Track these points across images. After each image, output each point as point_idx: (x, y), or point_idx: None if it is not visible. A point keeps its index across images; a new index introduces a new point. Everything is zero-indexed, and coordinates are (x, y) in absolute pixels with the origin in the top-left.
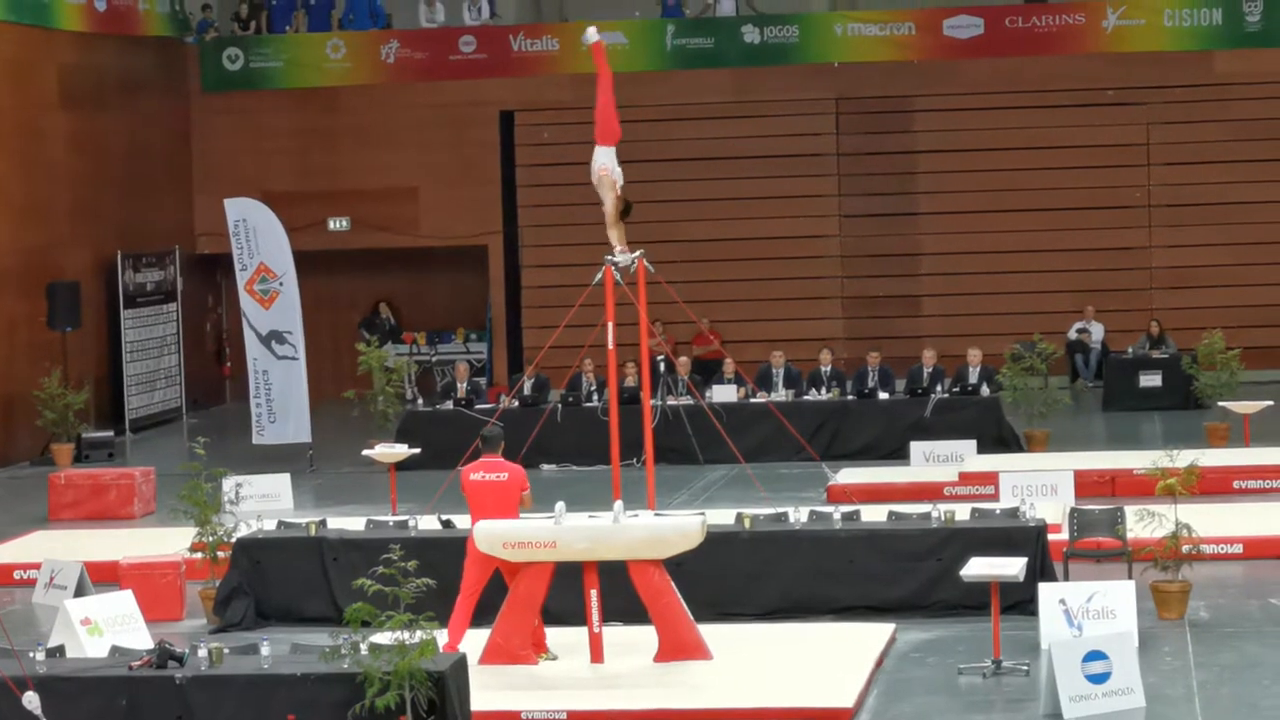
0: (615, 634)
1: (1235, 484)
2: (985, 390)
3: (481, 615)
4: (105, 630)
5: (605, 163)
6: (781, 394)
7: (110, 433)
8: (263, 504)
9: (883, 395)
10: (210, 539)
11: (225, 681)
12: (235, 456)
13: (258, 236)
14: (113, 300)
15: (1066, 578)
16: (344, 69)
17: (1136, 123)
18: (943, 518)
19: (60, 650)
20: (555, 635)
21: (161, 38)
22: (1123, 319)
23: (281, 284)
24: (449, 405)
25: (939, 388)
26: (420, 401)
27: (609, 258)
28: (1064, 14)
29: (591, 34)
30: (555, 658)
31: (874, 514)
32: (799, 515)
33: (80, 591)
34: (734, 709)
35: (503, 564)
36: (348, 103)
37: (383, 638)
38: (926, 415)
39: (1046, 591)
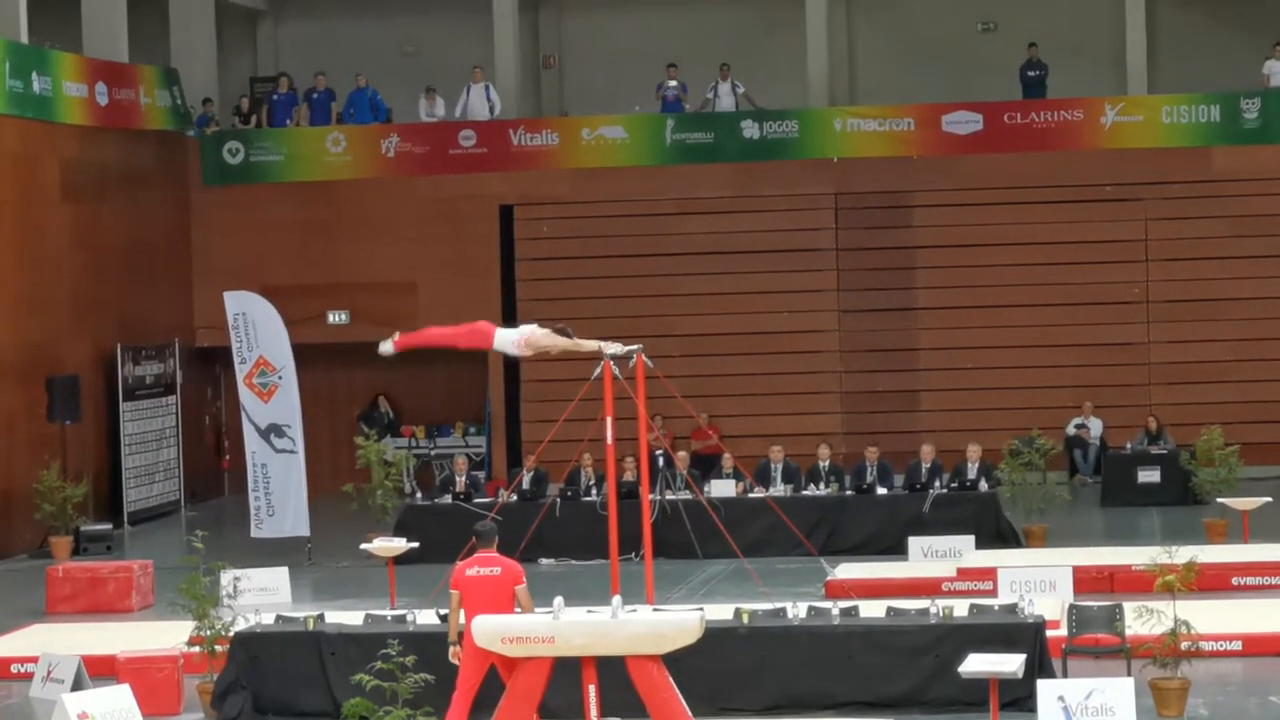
0: None
1: (1234, 580)
2: (984, 485)
3: (480, 711)
4: None
5: (515, 338)
6: (780, 489)
7: (109, 525)
8: (261, 598)
9: (881, 490)
10: (208, 633)
11: None
12: (233, 550)
13: (257, 330)
14: (112, 393)
15: (1065, 674)
16: (344, 162)
17: (1135, 219)
18: (941, 613)
19: None
20: None
21: (163, 131)
22: (1121, 414)
23: (280, 377)
24: (448, 499)
25: (937, 483)
26: (419, 495)
27: (608, 353)
28: (1062, 110)
29: (386, 346)
30: None
31: (872, 609)
32: (797, 610)
33: (78, 685)
34: None
35: (499, 659)
36: (348, 196)
37: None
38: (925, 510)
39: (1045, 688)
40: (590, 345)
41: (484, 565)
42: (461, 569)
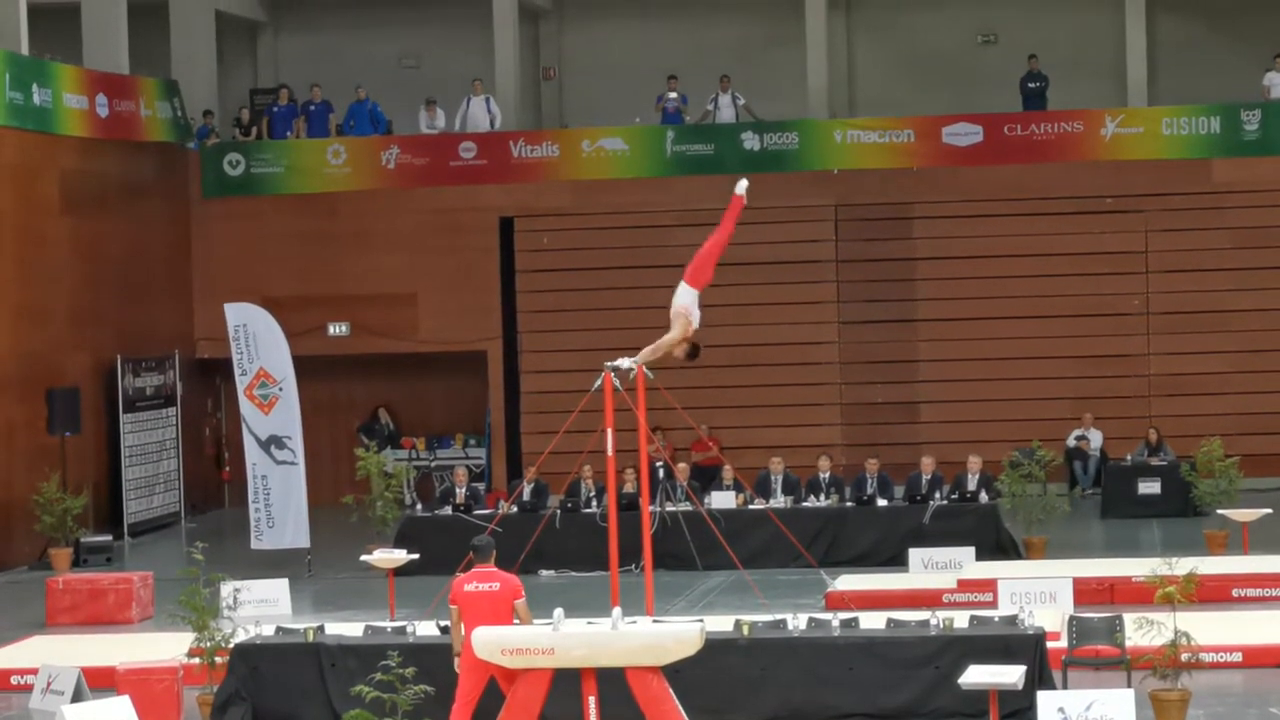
0: None
1: (1234, 592)
2: (984, 497)
3: None
4: None
5: (686, 302)
6: (780, 500)
7: (109, 537)
8: (261, 609)
9: (881, 502)
10: (208, 644)
11: None
12: (233, 561)
13: (258, 341)
14: (112, 405)
15: (1065, 686)
16: (344, 174)
17: (1135, 230)
18: (941, 625)
19: None
20: None
21: (163, 143)
22: (1121, 426)
23: (281, 389)
24: (448, 511)
25: (937, 494)
26: (419, 507)
27: (609, 364)
28: (1063, 122)
29: (742, 186)
30: None
31: (872, 621)
32: (797, 622)
33: (78, 697)
34: None
35: (498, 671)
36: (348, 208)
37: None
38: (925, 522)
39: (1045, 700)
40: (651, 354)
41: (482, 580)
42: (460, 584)
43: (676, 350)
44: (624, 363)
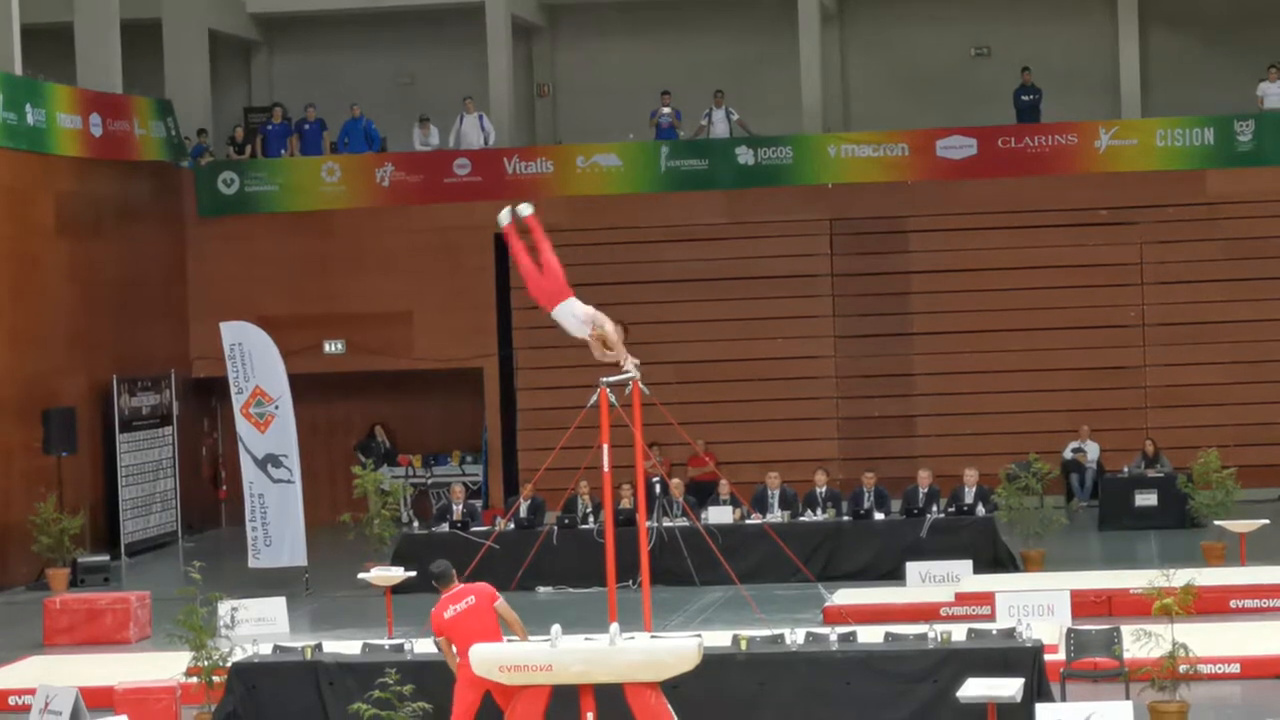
0: None
1: (1232, 603)
2: (981, 510)
3: None
4: None
5: (579, 314)
6: (777, 515)
7: (106, 557)
8: (258, 628)
9: (878, 516)
10: (206, 663)
11: None
12: (231, 580)
13: (253, 360)
14: (108, 425)
15: (1064, 698)
16: (339, 192)
17: (1130, 242)
18: (939, 638)
19: None
20: None
21: (157, 163)
22: (1118, 438)
23: (277, 407)
24: (445, 528)
25: (934, 508)
26: (416, 524)
27: (604, 380)
28: (1057, 135)
29: (504, 217)
30: None
31: (870, 635)
32: (795, 637)
33: (76, 717)
34: None
35: (495, 687)
36: (342, 226)
37: None
38: (922, 536)
39: (1044, 712)
40: (627, 359)
41: (456, 601)
42: (438, 614)
43: (597, 349)
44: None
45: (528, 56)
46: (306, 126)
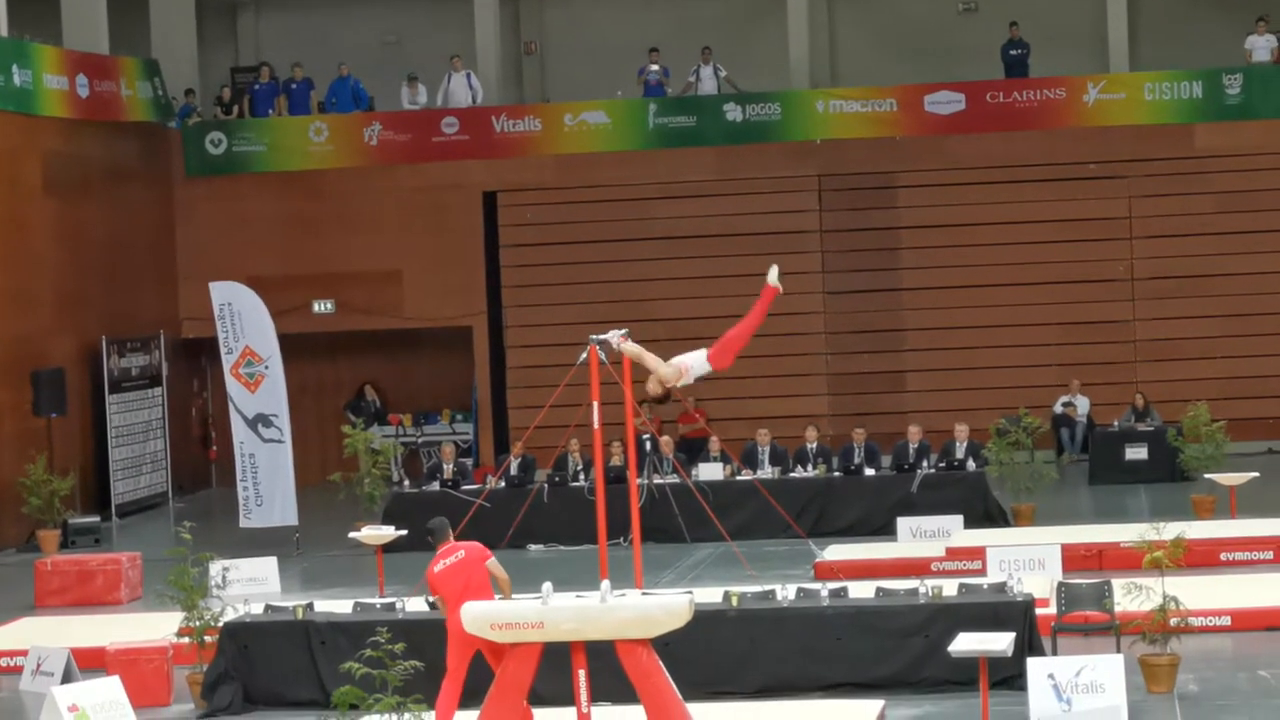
0: (604, 714)
1: (1222, 556)
2: (971, 465)
3: (471, 697)
4: (92, 717)
5: (691, 364)
6: (767, 472)
7: (96, 518)
8: (250, 588)
9: (869, 472)
10: (197, 624)
11: None
12: (222, 540)
13: (243, 320)
14: (98, 386)
15: (1055, 652)
16: (327, 152)
17: (1118, 196)
18: (930, 593)
19: None
20: (543, 716)
21: (144, 123)
22: (1108, 392)
23: (267, 367)
24: (435, 487)
25: (925, 463)
26: (406, 483)
27: (594, 337)
28: (1045, 89)
29: (774, 275)
30: None
31: (861, 591)
32: (786, 593)
33: (67, 678)
34: None
35: (486, 646)
36: (331, 186)
37: None
38: (913, 491)
39: (1035, 666)
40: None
41: (447, 556)
42: (432, 569)
43: (652, 384)
44: (611, 335)
45: (515, 14)
46: (294, 86)
